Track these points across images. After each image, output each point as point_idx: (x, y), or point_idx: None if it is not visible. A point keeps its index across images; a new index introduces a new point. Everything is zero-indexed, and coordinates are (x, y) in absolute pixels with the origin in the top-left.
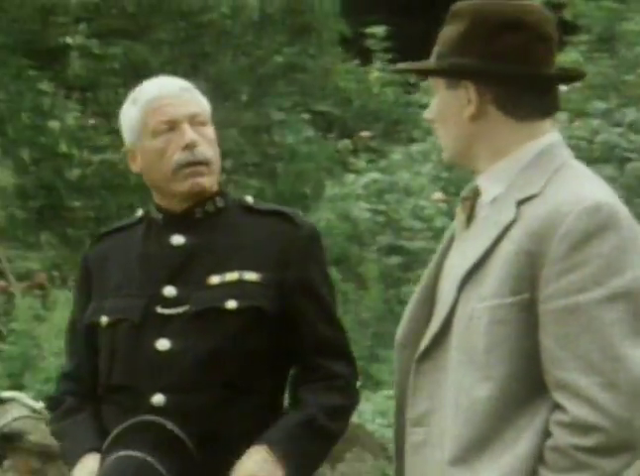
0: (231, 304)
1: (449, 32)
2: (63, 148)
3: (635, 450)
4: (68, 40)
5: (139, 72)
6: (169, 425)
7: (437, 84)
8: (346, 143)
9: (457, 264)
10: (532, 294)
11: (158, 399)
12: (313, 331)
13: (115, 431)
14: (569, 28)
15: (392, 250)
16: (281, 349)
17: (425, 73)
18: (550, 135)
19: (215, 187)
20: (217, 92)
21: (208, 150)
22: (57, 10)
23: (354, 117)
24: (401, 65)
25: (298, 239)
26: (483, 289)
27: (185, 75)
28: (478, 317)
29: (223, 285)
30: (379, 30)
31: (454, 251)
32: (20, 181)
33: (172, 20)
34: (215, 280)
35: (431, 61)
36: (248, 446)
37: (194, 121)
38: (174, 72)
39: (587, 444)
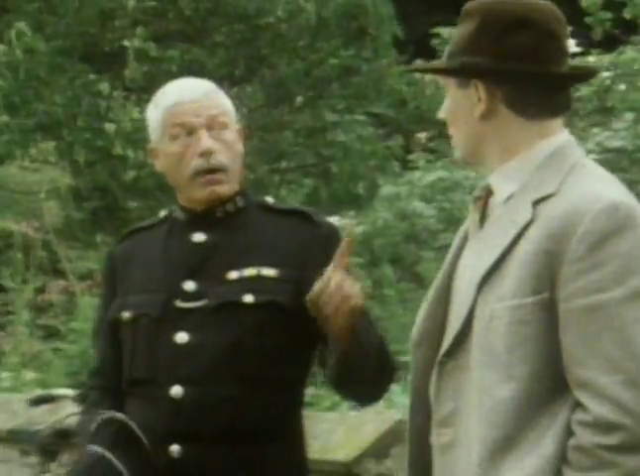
0: (248, 299)
1: (460, 31)
2: (119, 150)
3: None
4: (126, 43)
5: (195, 75)
6: (130, 424)
7: (448, 84)
8: (398, 141)
9: (473, 264)
10: (552, 293)
11: (176, 390)
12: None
13: (93, 426)
14: (629, 27)
15: None
16: (300, 344)
17: (437, 73)
18: (561, 134)
19: (236, 188)
20: (273, 95)
21: (226, 155)
22: (116, 14)
23: (408, 119)
24: (415, 65)
25: (317, 238)
26: (502, 289)
27: (241, 78)
28: (498, 318)
29: (241, 280)
30: (445, 30)
31: (468, 251)
32: (75, 183)
33: (229, 22)
34: (234, 275)
35: (442, 61)
36: (264, 441)
37: (213, 125)
38: (230, 75)
39: (610, 443)
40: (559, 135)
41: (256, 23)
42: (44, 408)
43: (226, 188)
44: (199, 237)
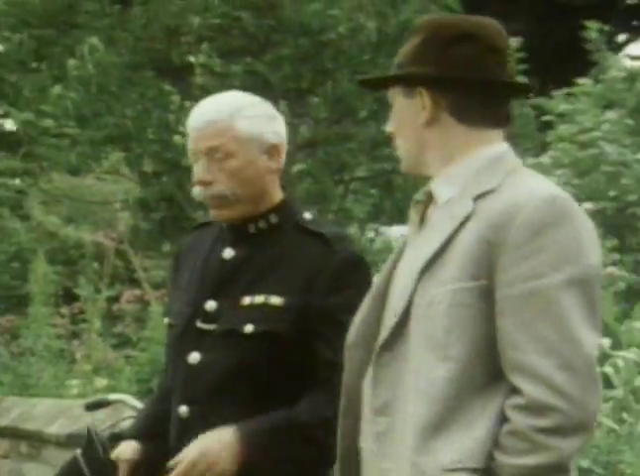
0: (248, 329)
1: (408, 44)
2: (188, 161)
3: (589, 431)
4: (191, 58)
5: (258, 88)
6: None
7: (395, 95)
8: None
9: (412, 258)
10: (490, 281)
11: (183, 410)
12: (329, 350)
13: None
14: None
15: None
16: (298, 371)
17: (386, 82)
18: (501, 145)
19: (247, 210)
20: (336, 108)
21: (226, 185)
22: (182, 30)
23: None
24: (365, 77)
25: (329, 264)
26: (443, 275)
27: (306, 91)
28: (437, 302)
29: (251, 307)
30: (513, 41)
31: (407, 252)
32: (143, 194)
33: (294, 37)
34: (246, 301)
35: (390, 72)
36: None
37: (213, 155)
38: (295, 89)
39: (545, 425)
40: (498, 145)
41: (319, 39)
42: (101, 412)
43: (230, 213)
44: (229, 253)
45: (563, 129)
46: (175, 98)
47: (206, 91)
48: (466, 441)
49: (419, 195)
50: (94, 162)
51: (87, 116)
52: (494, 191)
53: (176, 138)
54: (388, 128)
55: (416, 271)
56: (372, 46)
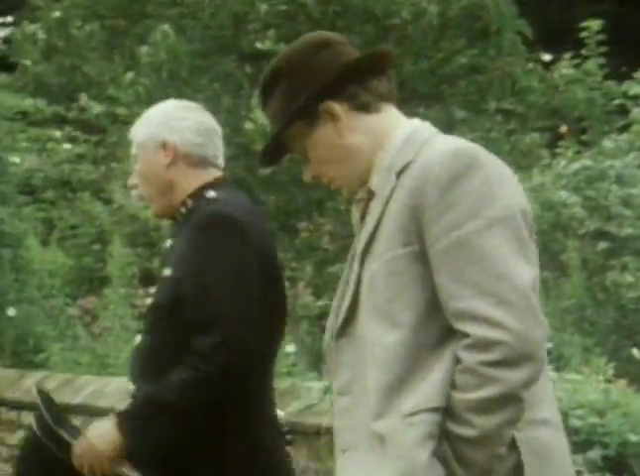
0: (150, 301)
1: (275, 97)
2: (258, 147)
3: (536, 361)
4: (258, 45)
5: None
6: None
7: (303, 135)
8: (534, 136)
9: (357, 247)
10: (421, 244)
11: (130, 387)
12: (191, 311)
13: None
14: None
15: (599, 236)
16: (182, 343)
17: (293, 120)
18: (411, 122)
19: (163, 204)
20: (399, 92)
21: (141, 187)
22: (249, 17)
23: (538, 114)
24: (275, 130)
25: (193, 237)
26: (378, 250)
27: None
28: (376, 276)
29: (159, 280)
30: (594, 23)
31: (356, 245)
32: None
33: (360, 23)
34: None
35: (284, 117)
36: None
37: (135, 160)
38: None
39: (491, 358)
40: (409, 123)
41: (383, 24)
42: None
43: (155, 210)
44: (168, 242)
45: (637, 112)
46: (245, 84)
47: None
48: (423, 387)
49: (360, 194)
50: None
51: (158, 102)
52: (412, 162)
53: (247, 123)
54: (323, 174)
55: (359, 255)
56: (434, 30)
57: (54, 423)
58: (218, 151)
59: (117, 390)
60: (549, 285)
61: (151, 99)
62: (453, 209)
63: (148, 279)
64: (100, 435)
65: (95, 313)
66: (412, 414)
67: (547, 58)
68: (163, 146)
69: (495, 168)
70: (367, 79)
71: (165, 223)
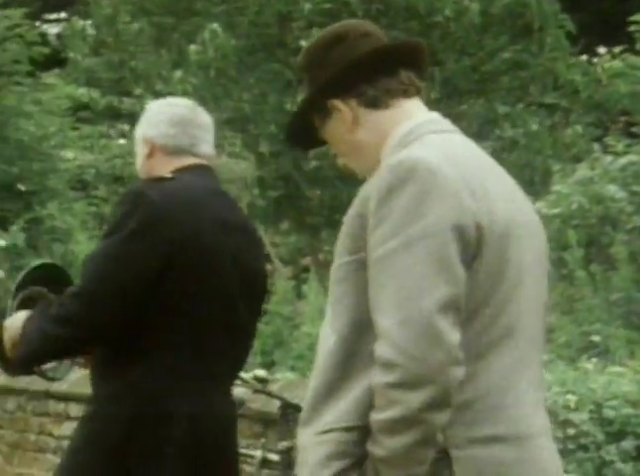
0: None
1: (305, 81)
2: None
3: (436, 384)
4: (302, 43)
5: None
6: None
7: (319, 126)
8: (576, 129)
9: None
10: (366, 253)
11: None
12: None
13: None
14: None
15: None
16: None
17: (306, 114)
18: (418, 116)
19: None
20: (442, 90)
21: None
22: (293, 15)
23: (582, 108)
24: (287, 136)
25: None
26: (336, 255)
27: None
28: (330, 280)
29: None
30: None
31: None
32: (260, 173)
33: (403, 20)
34: None
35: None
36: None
37: None
38: None
39: (391, 380)
40: (416, 117)
41: (426, 21)
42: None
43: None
44: None
45: None
46: (290, 82)
47: None
48: (342, 404)
49: None
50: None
51: (206, 99)
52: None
53: None
54: (339, 161)
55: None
56: (476, 27)
57: (16, 288)
58: (195, 139)
59: None
60: (597, 278)
61: (198, 97)
62: (383, 223)
63: None
64: (12, 321)
65: None
66: (324, 431)
67: (602, 51)
68: (145, 140)
69: (429, 181)
70: (374, 76)
71: None
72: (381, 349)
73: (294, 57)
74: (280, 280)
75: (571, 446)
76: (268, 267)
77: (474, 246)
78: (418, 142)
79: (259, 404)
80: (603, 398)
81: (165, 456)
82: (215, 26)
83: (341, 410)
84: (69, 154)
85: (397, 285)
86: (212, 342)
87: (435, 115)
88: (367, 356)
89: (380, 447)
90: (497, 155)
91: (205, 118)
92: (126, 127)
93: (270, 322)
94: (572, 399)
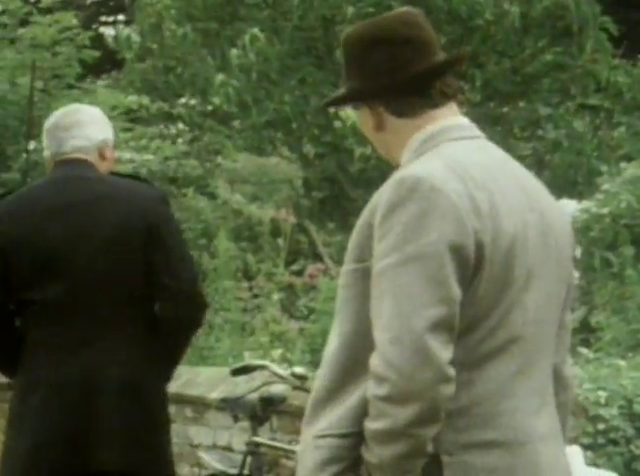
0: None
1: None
2: (351, 145)
3: (424, 401)
4: None
5: None
6: None
7: (354, 110)
8: (621, 131)
9: None
10: (372, 262)
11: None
12: None
13: None
14: None
15: None
16: None
17: (333, 105)
18: (441, 122)
19: None
20: (482, 92)
21: None
22: (336, 19)
23: (625, 109)
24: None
25: None
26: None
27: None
28: (338, 285)
29: None
30: None
31: None
32: (305, 175)
33: (445, 23)
34: None
35: (340, 91)
36: None
37: None
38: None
39: (380, 393)
40: (438, 122)
41: (467, 25)
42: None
43: None
44: None
45: None
46: (331, 89)
47: None
48: (339, 410)
49: None
50: (259, 145)
51: (247, 103)
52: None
53: (336, 122)
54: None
55: None
56: (516, 30)
57: None
58: (60, 141)
59: (207, 379)
60: None
61: (240, 100)
62: (385, 238)
63: (250, 272)
64: None
65: None
66: (321, 436)
67: None
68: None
69: (431, 200)
70: (407, 94)
71: (267, 218)
72: (374, 362)
73: (337, 60)
74: (327, 278)
75: (601, 441)
76: (319, 265)
77: (472, 265)
78: (430, 153)
79: (300, 400)
80: (634, 393)
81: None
82: (256, 30)
83: (338, 415)
84: (127, 154)
85: (392, 301)
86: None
87: (458, 120)
88: (366, 363)
89: (372, 455)
90: (540, 156)
91: (71, 118)
92: (180, 128)
93: (318, 320)
94: (602, 395)
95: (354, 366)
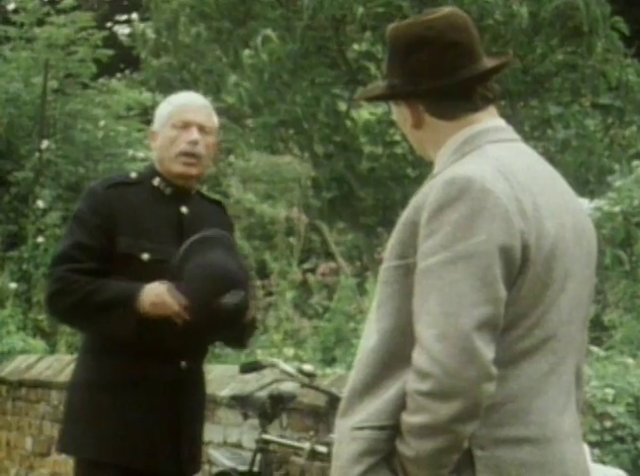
0: None
1: (386, 57)
2: (360, 144)
3: (467, 399)
4: (355, 47)
5: None
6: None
7: (392, 104)
8: (632, 130)
9: None
10: (415, 259)
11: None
12: None
13: (184, 247)
14: None
15: None
16: None
17: (369, 100)
18: (480, 124)
19: (202, 173)
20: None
21: (203, 150)
22: (347, 19)
23: (637, 108)
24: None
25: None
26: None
27: None
28: (378, 281)
29: None
30: None
31: None
32: (315, 174)
33: None
34: None
35: (379, 86)
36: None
37: (202, 129)
38: None
39: (422, 389)
40: (478, 124)
41: (478, 25)
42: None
43: (196, 171)
44: (184, 210)
45: None
46: (344, 93)
47: (372, 77)
48: (376, 403)
49: (428, 179)
50: (270, 144)
51: (259, 103)
52: (437, 174)
53: (347, 122)
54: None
55: None
56: (526, 30)
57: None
58: None
59: (217, 377)
60: None
61: (252, 101)
62: (433, 236)
63: (265, 271)
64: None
65: None
66: (358, 428)
67: None
68: None
69: (480, 201)
70: (448, 97)
71: (282, 217)
72: (419, 358)
73: (348, 60)
74: (342, 277)
75: (608, 438)
76: (332, 265)
77: (518, 266)
78: (475, 154)
79: (309, 397)
80: None
81: None
82: (268, 31)
83: (376, 408)
84: (141, 153)
85: (440, 298)
86: None
87: (497, 123)
88: (405, 358)
89: (408, 448)
90: (551, 155)
91: None
92: None
93: (332, 319)
94: (610, 392)
95: (392, 361)
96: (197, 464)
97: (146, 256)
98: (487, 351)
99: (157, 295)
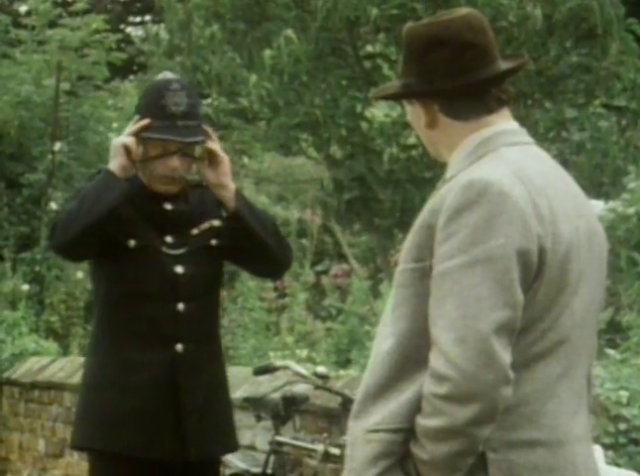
0: (214, 242)
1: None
2: (378, 146)
3: (484, 402)
4: (369, 48)
5: None
6: None
7: (405, 102)
8: None
9: None
10: (431, 262)
11: (180, 306)
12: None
13: None
14: None
15: None
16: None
17: (384, 98)
18: (496, 126)
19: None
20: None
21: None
22: (360, 20)
23: None
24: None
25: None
26: (400, 258)
27: None
28: (393, 284)
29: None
30: None
31: None
32: (333, 175)
33: None
34: (195, 231)
35: (394, 85)
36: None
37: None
38: None
39: (440, 392)
40: (493, 127)
41: (492, 26)
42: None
43: (175, 189)
44: (168, 206)
45: None
46: (359, 95)
47: (386, 78)
48: (391, 405)
49: (440, 181)
50: (285, 145)
51: (278, 105)
52: (454, 177)
53: (363, 123)
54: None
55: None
56: (538, 32)
57: None
58: None
59: (230, 379)
60: None
61: (271, 102)
62: (450, 240)
63: None
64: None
65: (223, 307)
66: (373, 431)
67: None
68: None
69: (498, 205)
70: (463, 98)
71: (294, 219)
72: (436, 361)
73: (362, 61)
74: (356, 279)
75: (622, 441)
76: (345, 267)
77: (535, 270)
78: (491, 157)
79: (322, 399)
80: None
81: None
82: (289, 31)
83: (391, 410)
84: None
85: (458, 302)
86: None
87: (511, 125)
88: (420, 361)
89: (423, 451)
90: (565, 157)
91: None
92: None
93: (346, 321)
94: (624, 394)
95: (408, 364)
96: (215, 447)
97: (132, 242)
98: (505, 355)
99: (113, 146)
